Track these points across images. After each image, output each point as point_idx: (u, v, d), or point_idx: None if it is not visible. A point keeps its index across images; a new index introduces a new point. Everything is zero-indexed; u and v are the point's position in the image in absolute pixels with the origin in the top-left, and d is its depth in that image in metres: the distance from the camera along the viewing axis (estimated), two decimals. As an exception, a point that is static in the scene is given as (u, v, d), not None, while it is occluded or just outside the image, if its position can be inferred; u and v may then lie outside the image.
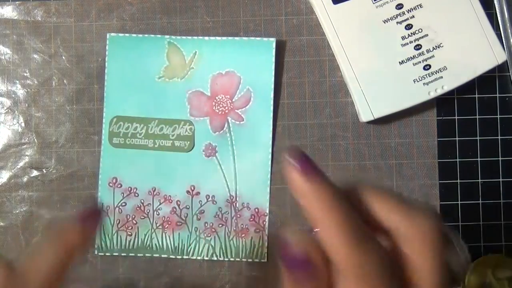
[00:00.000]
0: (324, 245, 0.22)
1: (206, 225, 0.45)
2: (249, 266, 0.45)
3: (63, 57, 0.46)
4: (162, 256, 0.45)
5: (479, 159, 0.46)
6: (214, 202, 0.45)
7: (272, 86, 0.45)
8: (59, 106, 0.46)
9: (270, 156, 0.45)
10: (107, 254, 0.45)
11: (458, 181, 0.46)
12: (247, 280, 0.45)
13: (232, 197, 0.45)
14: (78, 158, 0.46)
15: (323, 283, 0.22)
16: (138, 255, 0.45)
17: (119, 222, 0.45)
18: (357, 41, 0.44)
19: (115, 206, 0.45)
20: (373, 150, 0.46)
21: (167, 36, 0.45)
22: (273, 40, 0.45)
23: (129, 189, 0.45)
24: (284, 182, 0.45)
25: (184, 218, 0.45)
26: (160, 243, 0.45)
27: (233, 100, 0.45)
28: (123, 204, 0.45)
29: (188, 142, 0.45)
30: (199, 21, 0.46)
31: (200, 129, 0.45)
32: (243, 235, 0.45)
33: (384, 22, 0.44)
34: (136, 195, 0.45)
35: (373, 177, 0.46)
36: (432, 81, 0.43)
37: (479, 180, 0.46)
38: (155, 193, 0.45)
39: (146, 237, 0.45)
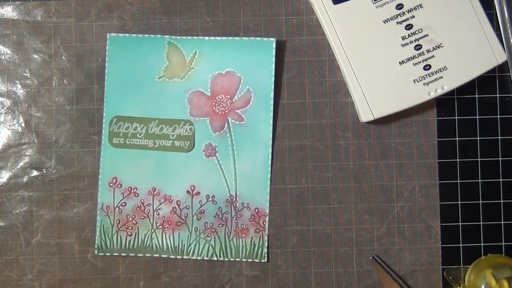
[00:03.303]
0: None
1: (206, 225, 0.45)
2: (249, 266, 0.45)
3: (63, 57, 0.46)
4: (162, 256, 0.45)
5: (479, 159, 0.46)
6: (214, 202, 0.45)
7: (272, 86, 0.45)
8: (59, 106, 0.46)
9: (270, 156, 0.45)
10: (107, 254, 0.45)
11: (458, 181, 0.46)
12: (247, 280, 0.45)
13: (232, 197, 0.45)
14: (78, 158, 0.46)
15: None
16: (138, 255, 0.45)
17: (119, 222, 0.45)
18: (357, 41, 0.44)
19: (115, 206, 0.45)
20: (373, 150, 0.46)
21: (167, 36, 0.45)
22: (273, 40, 0.45)
23: (129, 189, 0.45)
24: (284, 182, 0.46)
25: (184, 218, 0.45)
26: (160, 243, 0.45)
27: (233, 100, 0.45)
28: (123, 204, 0.45)
29: (188, 142, 0.45)
30: (199, 21, 0.46)
31: (200, 129, 0.45)
32: (243, 235, 0.45)
33: (384, 22, 0.44)
34: (136, 195, 0.45)
35: (373, 177, 0.46)
36: (432, 81, 0.43)
37: (479, 180, 0.46)
38: (155, 193, 0.45)
39: (146, 237, 0.45)
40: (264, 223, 0.45)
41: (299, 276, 0.45)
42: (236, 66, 0.45)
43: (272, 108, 0.45)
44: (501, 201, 0.46)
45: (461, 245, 0.45)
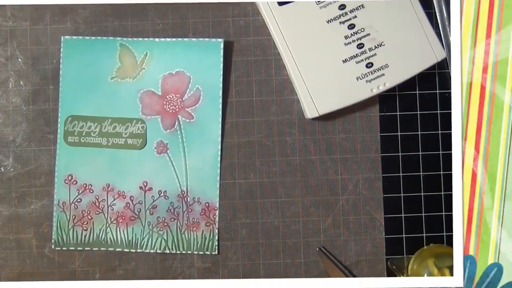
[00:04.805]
0: None
1: (159, 219, 0.47)
2: (200, 258, 0.47)
3: (19, 60, 0.47)
4: (117, 249, 0.47)
5: (420, 153, 0.47)
6: (166, 197, 0.47)
7: (221, 85, 0.47)
8: (16, 106, 0.47)
9: (219, 152, 0.47)
10: (63, 248, 0.47)
11: (401, 174, 0.47)
12: (198, 272, 0.47)
13: (183, 192, 0.47)
14: (35, 157, 0.47)
15: None
16: (94, 249, 0.47)
17: (75, 217, 0.47)
18: (302, 40, 0.45)
19: (70, 202, 0.47)
20: (319, 145, 0.47)
21: (119, 38, 0.47)
22: (221, 40, 0.47)
23: (84, 185, 0.47)
24: (233, 177, 0.47)
25: (137, 213, 0.47)
26: (115, 237, 0.47)
27: (183, 99, 0.47)
28: (79, 200, 0.47)
29: (141, 140, 0.47)
30: (150, 23, 0.47)
31: (152, 127, 0.47)
32: (195, 228, 0.47)
33: (328, 22, 0.45)
34: (91, 191, 0.47)
35: (319, 172, 0.47)
36: (374, 79, 0.45)
37: (421, 173, 0.47)
38: (109, 189, 0.47)
39: (101, 231, 0.47)
40: (214, 216, 0.47)
41: (249, 267, 0.47)
42: (186, 66, 0.47)
43: (221, 106, 0.47)
44: (442, 193, 0.47)
45: (404, 235, 0.47)
